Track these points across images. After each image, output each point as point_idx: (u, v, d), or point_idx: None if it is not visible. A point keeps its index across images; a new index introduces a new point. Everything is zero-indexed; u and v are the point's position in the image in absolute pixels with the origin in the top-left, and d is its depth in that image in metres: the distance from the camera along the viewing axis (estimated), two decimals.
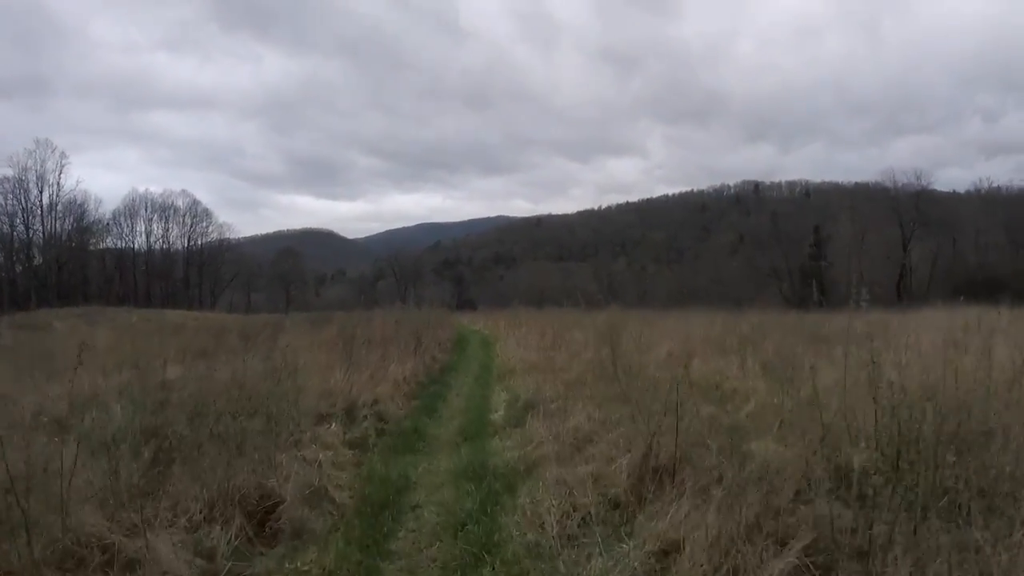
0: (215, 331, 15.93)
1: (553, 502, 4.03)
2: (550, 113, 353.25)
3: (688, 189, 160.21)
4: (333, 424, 5.99)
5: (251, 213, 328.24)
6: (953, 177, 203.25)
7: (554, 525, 3.79)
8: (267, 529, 3.69)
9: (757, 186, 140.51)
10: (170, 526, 3.32)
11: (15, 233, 50.83)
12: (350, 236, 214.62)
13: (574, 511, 3.94)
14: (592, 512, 3.87)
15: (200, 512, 3.44)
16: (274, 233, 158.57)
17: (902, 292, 43.27)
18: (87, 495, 3.56)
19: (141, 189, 65.70)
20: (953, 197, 57.39)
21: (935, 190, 50.73)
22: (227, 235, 66.62)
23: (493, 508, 4.25)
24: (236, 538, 3.48)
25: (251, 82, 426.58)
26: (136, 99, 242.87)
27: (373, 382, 7.87)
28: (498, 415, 7.69)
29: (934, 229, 47.38)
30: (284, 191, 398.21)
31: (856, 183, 77.98)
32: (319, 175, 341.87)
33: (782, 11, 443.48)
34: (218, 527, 3.42)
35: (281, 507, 3.78)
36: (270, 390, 6.26)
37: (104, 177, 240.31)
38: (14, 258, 51.93)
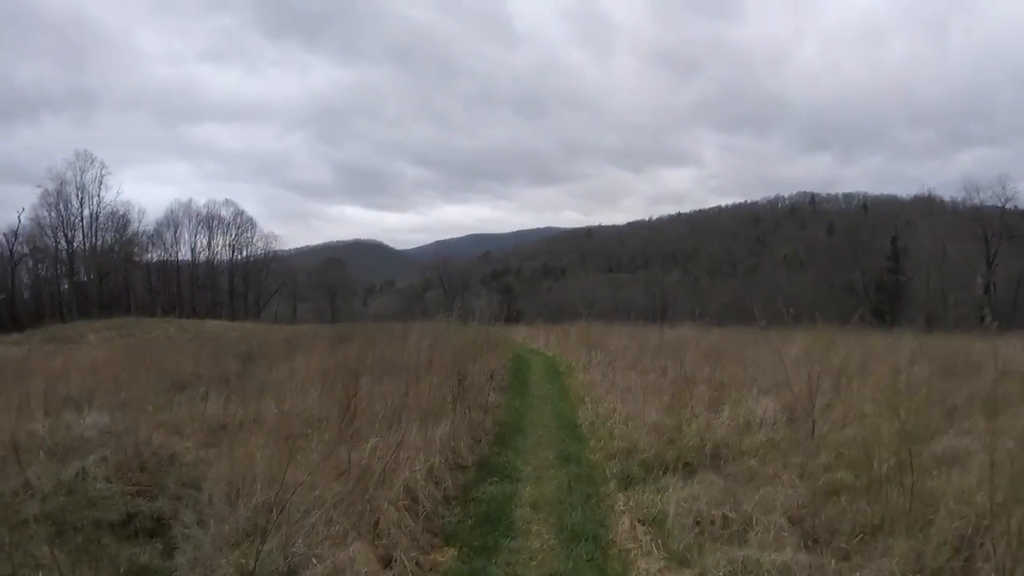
0: (217, 349, 13.50)
1: None
2: (604, 119, 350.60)
3: (741, 200, 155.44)
4: None
5: (301, 224, 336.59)
6: (1021, 191, 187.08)
7: None
8: None
9: (813, 198, 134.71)
10: None
11: (58, 246, 51.01)
12: (399, 247, 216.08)
13: None
14: None
15: None
16: (323, 244, 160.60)
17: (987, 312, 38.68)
18: None
19: (184, 200, 65.23)
20: None
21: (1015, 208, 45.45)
22: (272, 245, 65.99)
23: None
24: None
25: (298, 91, 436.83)
26: (183, 111, 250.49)
27: (367, 500, 4.19)
28: None
29: (1019, 244, 42.35)
30: (333, 202, 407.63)
31: (915, 195, 72.34)
32: (368, 186, 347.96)
33: (848, 9, 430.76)
34: None
35: None
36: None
37: (154, 190, 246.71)
38: (59, 270, 52.10)
